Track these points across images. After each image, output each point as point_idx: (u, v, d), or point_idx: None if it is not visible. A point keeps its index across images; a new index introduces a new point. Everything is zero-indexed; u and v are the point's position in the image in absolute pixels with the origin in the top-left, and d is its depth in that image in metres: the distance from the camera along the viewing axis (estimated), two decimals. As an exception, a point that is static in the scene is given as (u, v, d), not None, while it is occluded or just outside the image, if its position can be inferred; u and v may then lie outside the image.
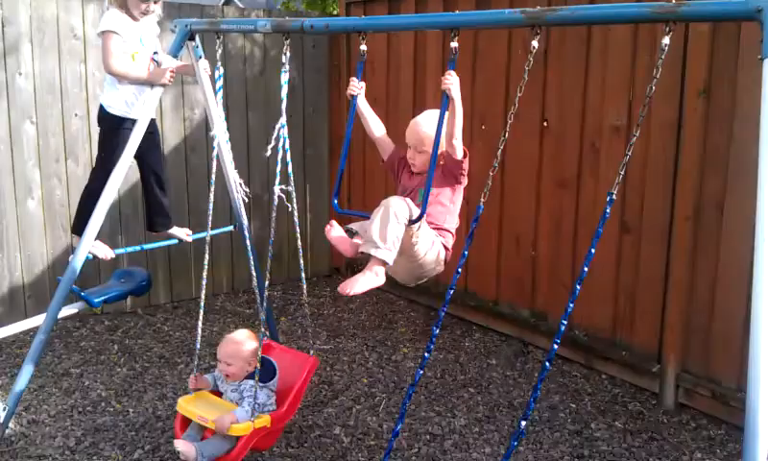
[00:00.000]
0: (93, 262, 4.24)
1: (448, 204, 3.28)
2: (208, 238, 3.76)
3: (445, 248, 3.26)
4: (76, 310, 4.13)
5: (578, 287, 2.45)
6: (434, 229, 3.23)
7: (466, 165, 3.21)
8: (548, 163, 5.08)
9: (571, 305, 2.46)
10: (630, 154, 2.43)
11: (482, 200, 2.76)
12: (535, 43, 2.55)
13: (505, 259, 5.51)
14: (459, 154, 3.16)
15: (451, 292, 2.77)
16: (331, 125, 6.87)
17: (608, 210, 2.46)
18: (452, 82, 2.91)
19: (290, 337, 5.54)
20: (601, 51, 4.68)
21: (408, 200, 3.06)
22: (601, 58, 4.69)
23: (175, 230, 4.45)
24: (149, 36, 4.01)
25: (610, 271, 4.79)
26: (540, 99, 5.05)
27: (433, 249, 3.19)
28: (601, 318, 4.86)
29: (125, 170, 3.82)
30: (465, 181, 3.27)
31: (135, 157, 3.94)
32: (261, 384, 3.47)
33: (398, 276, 3.38)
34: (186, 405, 3.47)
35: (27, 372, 3.65)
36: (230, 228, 4.55)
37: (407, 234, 3.03)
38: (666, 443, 4.11)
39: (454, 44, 2.79)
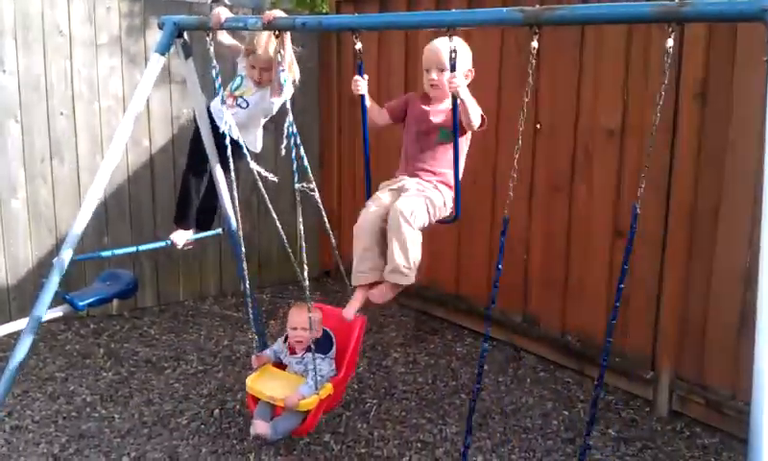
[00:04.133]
0: (79, 264, 4.15)
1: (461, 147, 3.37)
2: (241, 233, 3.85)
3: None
4: (60, 313, 4.02)
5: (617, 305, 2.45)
6: (440, 182, 3.36)
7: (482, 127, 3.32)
8: (541, 167, 5.03)
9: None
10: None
11: (506, 212, 2.86)
12: (534, 44, 2.49)
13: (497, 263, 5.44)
14: (476, 124, 3.27)
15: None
16: (322, 127, 6.79)
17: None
18: (459, 83, 2.92)
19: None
20: (595, 53, 4.63)
21: (421, 203, 3.22)
22: (594, 60, 4.64)
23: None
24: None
25: (602, 276, 4.73)
26: (532, 101, 4.99)
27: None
28: (594, 324, 4.81)
29: (113, 164, 3.73)
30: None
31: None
32: (322, 356, 3.74)
33: None
34: (255, 385, 3.68)
35: (10, 376, 3.55)
36: (218, 231, 4.47)
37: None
38: (660, 451, 4.06)
39: (452, 45, 2.74)
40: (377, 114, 3.54)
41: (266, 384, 3.71)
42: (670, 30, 2.21)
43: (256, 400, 3.73)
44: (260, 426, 3.59)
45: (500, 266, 2.81)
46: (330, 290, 6.63)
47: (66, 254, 3.65)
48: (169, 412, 4.38)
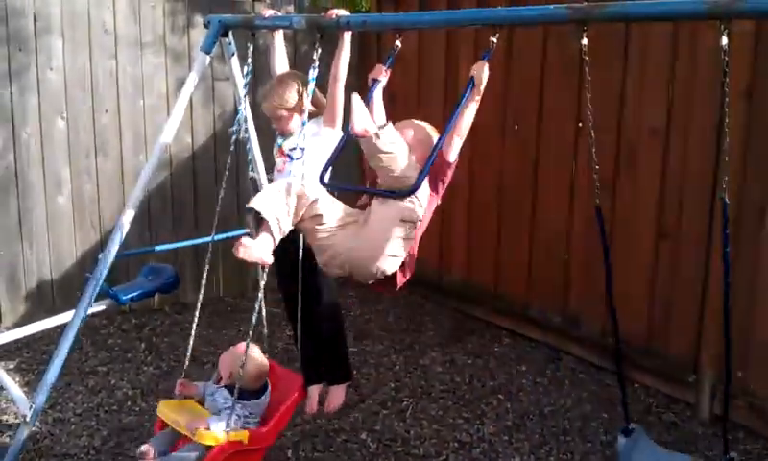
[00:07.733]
0: (122, 259, 4.21)
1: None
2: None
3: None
4: (103, 307, 4.10)
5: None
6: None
7: (451, 174, 2.91)
8: (583, 165, 4.96)
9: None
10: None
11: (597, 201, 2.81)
12: (585, 41, 2.45)
13: (536, 262, 5.40)
14: (453, 156, 2.85)
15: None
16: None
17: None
18: (483, 69, 2.76)
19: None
20: (640, 50, 4.55)
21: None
22: (640, 57, 4.56)
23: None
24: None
25: (646, 277, 4.66)
26: (575, 99, 4.92)
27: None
28: (636, 326, 4.73)
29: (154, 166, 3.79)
30: (442, 191, 2.93)
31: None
32: (245, 402, 3.27)
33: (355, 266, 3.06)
34: (166, 409, 3.26)
35: (54, 369, 3.61)
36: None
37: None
38: (701, 455, 3.98)
39: (493, 39, 2.71)
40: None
41: (176, 412, 3.24)
42: (723, 27, 2.15)
43: (163, 427, 3.28)
44: (145, 447, 3.15)
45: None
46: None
47: (112, 250, 3.71)
48: (208, 406, 4.42)
